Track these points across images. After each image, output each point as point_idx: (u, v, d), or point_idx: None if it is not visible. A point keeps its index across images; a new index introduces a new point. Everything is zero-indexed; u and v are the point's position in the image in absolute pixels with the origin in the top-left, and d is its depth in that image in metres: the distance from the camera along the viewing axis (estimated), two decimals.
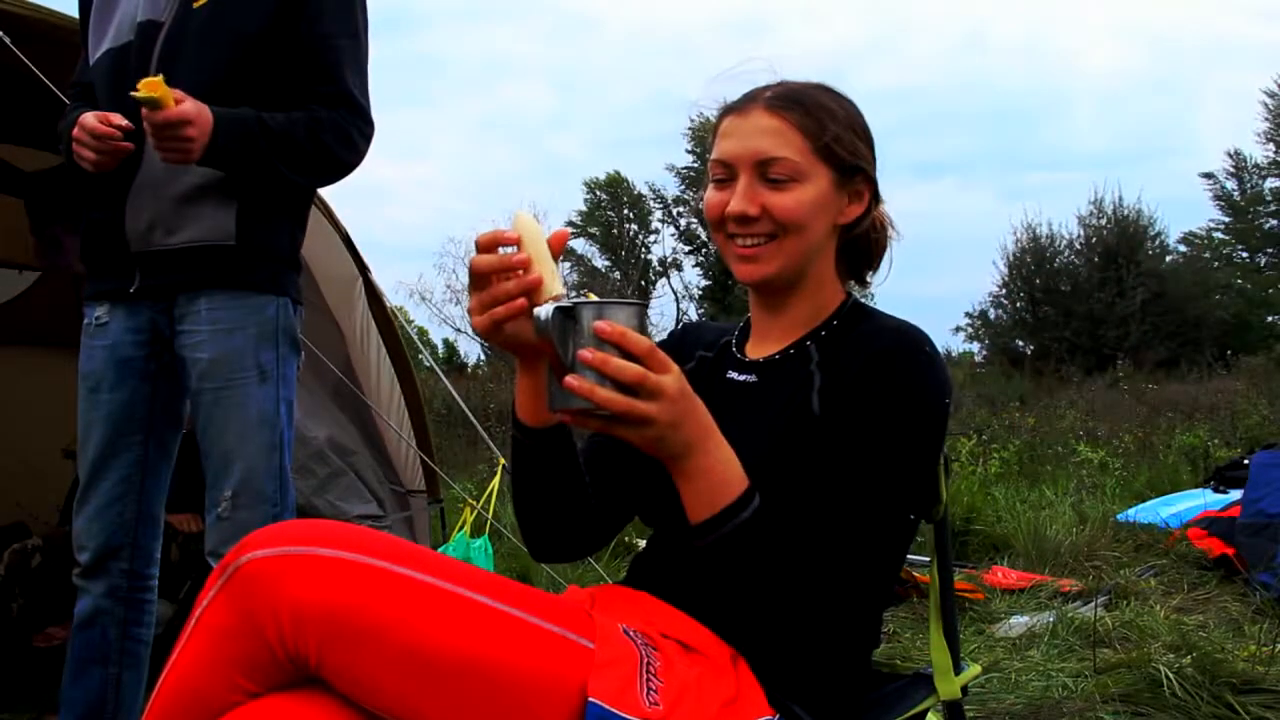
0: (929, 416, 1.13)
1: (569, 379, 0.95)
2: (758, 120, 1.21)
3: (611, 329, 0.95)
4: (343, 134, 1.88)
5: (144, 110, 1.65)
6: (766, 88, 1.25)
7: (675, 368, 0.99)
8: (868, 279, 1.35)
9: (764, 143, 1.20)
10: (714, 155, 1.24)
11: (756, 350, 1.30)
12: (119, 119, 1.71)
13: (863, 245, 1.32)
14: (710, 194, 1.25)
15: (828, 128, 1.21)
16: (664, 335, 1.48)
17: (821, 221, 1.23)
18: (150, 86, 1.63)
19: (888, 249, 1.35)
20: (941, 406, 1.15)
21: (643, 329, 0.97)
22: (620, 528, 1.36)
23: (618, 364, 0.95)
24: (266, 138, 1.79)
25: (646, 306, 1.02)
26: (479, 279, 1.05)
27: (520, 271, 1.02)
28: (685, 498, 1.05)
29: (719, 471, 1.04)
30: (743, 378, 1.28)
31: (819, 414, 1.16)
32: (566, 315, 0.97)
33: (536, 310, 0.98)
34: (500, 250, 1.04)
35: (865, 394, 1.12)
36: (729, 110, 1.26)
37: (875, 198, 1.28)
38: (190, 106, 1.68)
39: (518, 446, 1.23)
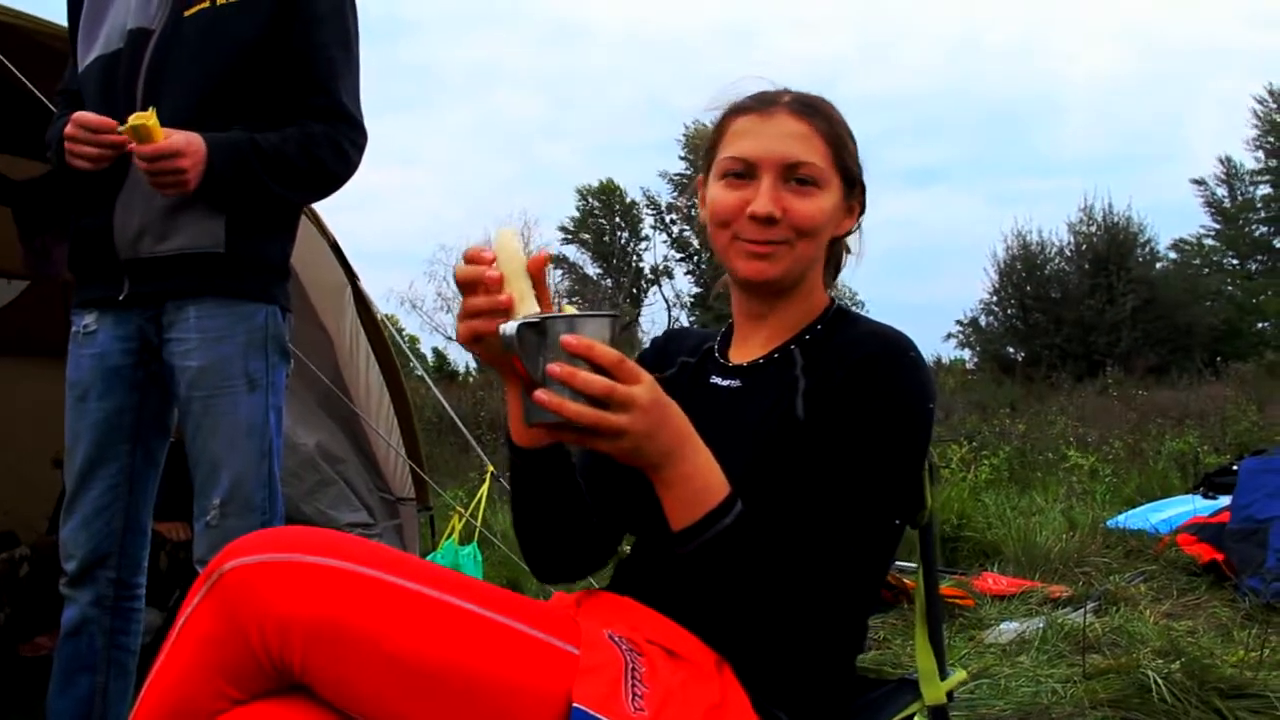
0: (913, 421, 1.14)
1: (538, 394, 0.95)
2: (784, 123, 1.21)
3: (578, 342, 0.95)
4: (336, 147, 1.88)
5: (133, 144, 1.65)
6: (783, 92, 1.25)
7: (647, 377, 0.99)
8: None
9: (794, 146, 1.20)
10: (730, 153, 1.23)
11: (740, 355, 1.30)
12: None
13: (833, 256, 1.33)
14: (722, 192, 1.23)
15: (844, 139, 1.23)
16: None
17: (829, 230, 1.25)
18: (140, 119, 1.63)
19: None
20: (925, 411, 1.15)
21: (613, 341, 0.97)
22: (620, 541, 1.35)
23: (585, 377, 0.94)
24: (260, 159, 1.79)
25: (617, 318, 1.02)
26: (462, 287, 1.05)
27: (493, 289, 1.03)
28: (666, 505, 1.05)
29: (699, 478, 1.04)
30: (726, 382, 1.28)
31: (803, 419, 1.16)
32: (534, 331, 0.96)
33: (502, 327, 0.98)
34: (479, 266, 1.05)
35: (850, 399, 1.12)
36: (744, 110, 1.25)
37: (862, 212, 1.30)
38: (180, 138, 1.67)
39: (514, 469, 1.22)
